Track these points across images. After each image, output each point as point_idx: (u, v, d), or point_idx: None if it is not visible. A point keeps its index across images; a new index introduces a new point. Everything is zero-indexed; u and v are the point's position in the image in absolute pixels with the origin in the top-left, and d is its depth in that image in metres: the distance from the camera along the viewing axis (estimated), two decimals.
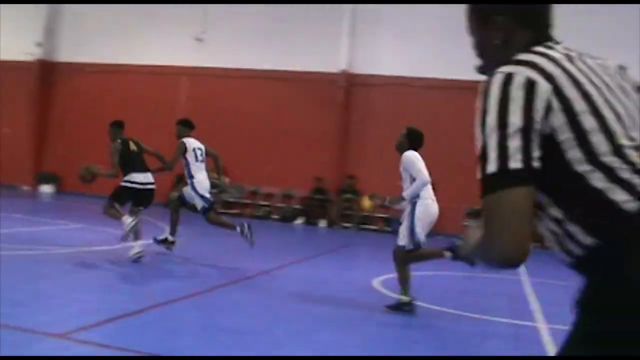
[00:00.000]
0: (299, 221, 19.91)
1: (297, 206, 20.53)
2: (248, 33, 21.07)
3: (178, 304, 7.25)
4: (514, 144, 1.72)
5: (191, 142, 10.68)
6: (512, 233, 1.70)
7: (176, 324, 6.37)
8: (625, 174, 1.74)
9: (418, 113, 17.86)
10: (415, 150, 7.79)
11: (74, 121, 22.55)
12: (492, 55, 2.07)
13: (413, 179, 7.56)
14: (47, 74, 23.06)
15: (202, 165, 10.68)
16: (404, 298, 7.59)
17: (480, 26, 2.09)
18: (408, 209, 7.69)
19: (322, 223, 19.74)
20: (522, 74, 1.79)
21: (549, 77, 1.79)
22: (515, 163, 1.71)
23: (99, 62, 22.28)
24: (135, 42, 22.01)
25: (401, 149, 7.83)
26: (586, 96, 1.79)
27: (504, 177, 1.71)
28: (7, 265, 8.61)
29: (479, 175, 1.77)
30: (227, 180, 14.74)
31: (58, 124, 23.02)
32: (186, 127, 10.95)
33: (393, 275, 8.01)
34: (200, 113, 21.03)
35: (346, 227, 19.59)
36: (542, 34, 2.00)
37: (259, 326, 6.56)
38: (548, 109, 1.76)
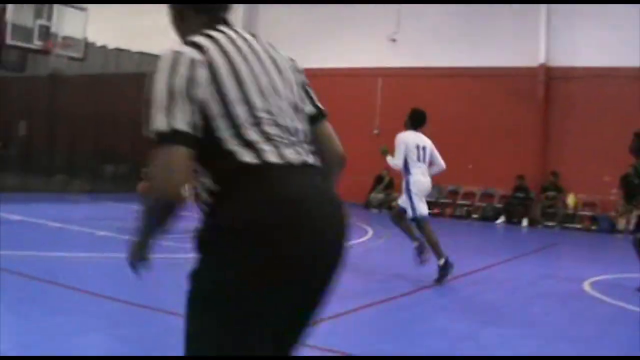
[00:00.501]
0: (500, 220, 19.31)
1: (498, 205, 19.93)
2: (441, 31, 20.76)
3: (380, 306, 7.16)
4: (178, 110, 2.10)
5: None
6: (169, 177, 2.09)
7: (379, 326, 6.27)
8: (255, 138, 2.17)
9: (622, 104, 16.83)
10: (416, 129, 9.52)
11: None
12: (177, 33, 2.50)
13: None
14: None
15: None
16: (440, 261, 8.32)
17: (169, 8, 2.53)
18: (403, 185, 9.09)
19: (524, 222, 19.03)
20: (187, 53, 2.18)
21: (208, 56, 2.19)
22: (180, 125, 2.09)
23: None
24: (329, 45, 22.26)
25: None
26: (235, 72, 2.21)
27: (170, 136, 2.08)
28: None
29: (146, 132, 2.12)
30: None
31: None
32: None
33: (604, 277, 7.50)
34: (396, 114, 21.06)
35: (549, 226, 18.76)
36: (215, 19, 2.41)
37: (464, 330, 6.32)
38: (205, 82, 2.15)
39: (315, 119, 2.52)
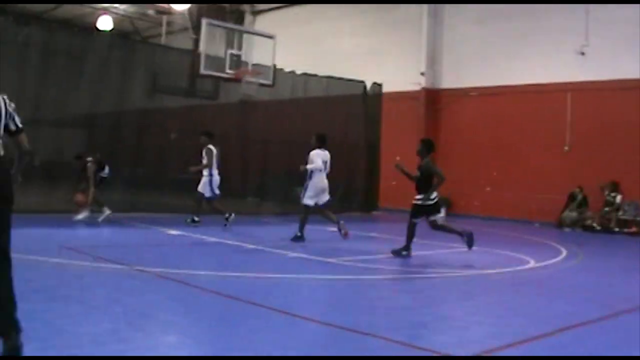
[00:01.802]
0: None
1: None
2: (634, 40, 19.52)
3: (579, 329, 6.74)
4: None
5: None
6: None
7: (578, 351, 5.89)
8: None
9: None
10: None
11: (461, 145, 22.87)
12: None
13: None
14: (432, 102, 23.73)
15: None
16: None
17: None
18: None
19: None
20: None
21: None
22: None
23: (481, 86, 22.40)
24: (515, 62, 21.61)
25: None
26: None
27: None
28: (407, 287, 8.86)
29: None
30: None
31: (446, 149, 23.46)
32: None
33: None
34: (588, 130, 20.18)
35: None
36: None
37: None
38: None
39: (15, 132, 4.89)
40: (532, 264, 11.44)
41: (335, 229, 13.55)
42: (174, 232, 13.43)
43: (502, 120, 21.80)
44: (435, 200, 11.56)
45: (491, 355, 5.49)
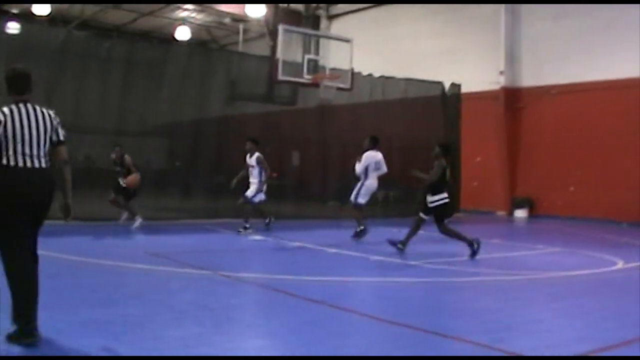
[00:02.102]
0: None
1: None
2: None
3: None
4: None
5: None
6: None
7: None
8: (20, 158, 5.18)
9: None
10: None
11: (543, 144, 22.47)
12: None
13: None
14: (512, 101, 23.38)
15: None
16: None
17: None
18: None
19: None
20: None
21: (4, 114, 5.18)
22: None
23: (562, 83, 21.93)
24: (597, 56, 21.03)
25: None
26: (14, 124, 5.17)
27: None
28: (492, 289, 8.74)
29: None
30: None
31: (527, 149, 23.14)
32: None
33: None
34: None
35: None
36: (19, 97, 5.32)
37: None
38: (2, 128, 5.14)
39: (57, 143, 5.45)
40: (620, 265, 11.14)
41: (358, 229, 13.58)
42: (256, 237, 13.57)
43: (585, 117, 21.27)
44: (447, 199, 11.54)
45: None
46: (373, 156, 13.75)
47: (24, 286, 5.15)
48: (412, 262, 10.49)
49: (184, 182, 18.42)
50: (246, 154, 14.52)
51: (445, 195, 11.42)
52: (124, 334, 5.58)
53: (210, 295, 7.55)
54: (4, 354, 4.87)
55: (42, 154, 5.29)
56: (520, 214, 22.71)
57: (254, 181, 14.35)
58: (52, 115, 5.43)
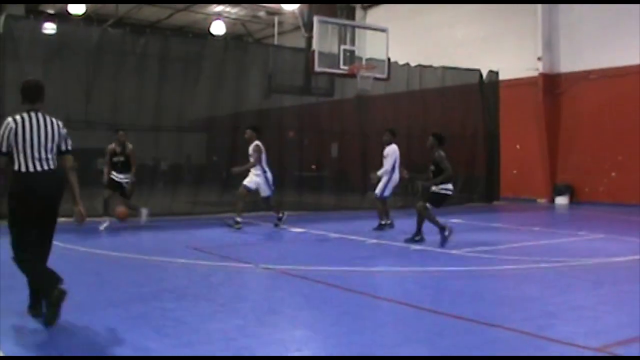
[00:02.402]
0: None
1: None
2: None
3: None
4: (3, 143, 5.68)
5: None
6: None
7: None
8: (30, 162, 5.67)
9: None
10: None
11: (583, 130, 22.17)
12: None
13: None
14: (551, 87, 23.09)
15: None
16: None
17: None
18: None
19: None
20: (9, 121, 5.72)
21: (15, 121, 5.70)
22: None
23: (601, 68, 21.60)
24: (633, 41, 20.57)
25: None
26: (24, 129, 5.70)
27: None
28: (533, 276, 8.67)
29: None
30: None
31: (568, 135, 22.85)
32: None
33: None
34: None
35: None
36: (31, 106, 5.85)
37: None
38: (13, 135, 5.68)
39: (64, 152, 5.91)
40: None
41: (383, 221, 13.63)
42: (296, 229, 13.61)
43: (625, 102, 20.91)
44: (451, 191, 11.65)
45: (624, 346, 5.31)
46: (395, 150, 13.75)
47: (29, 278, 5.79)
48: (453, 252, 10.44)
49: (223, 176, 18.51)
50: (248, 144, 13.95)
51: (451, 186, 11.54)
52: (165, 328, 5.65)
53: (251, 288, 7.60)
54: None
55: (50, 157, 5.79)
56: (561, 201, 22.43)
57: (256, 172, 13.73)
58: (61, 125, 5.94)
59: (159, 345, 5.09)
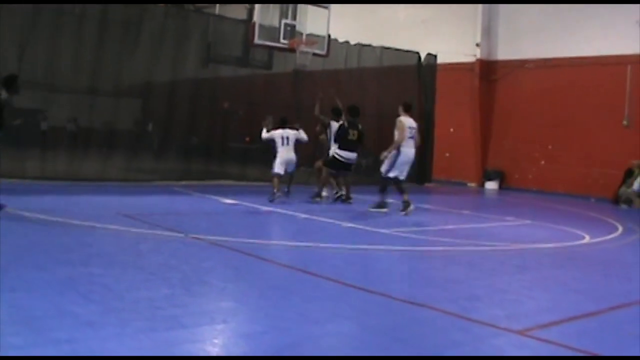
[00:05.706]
0: None
1: None
2: None
3: (637, 307, 6.65)
4: None
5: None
6: None
7: (637, 329, 5.80)
8: None
9: None
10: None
11: (517, 118, 22.59)
12: None
13: None
14: (487, 73, 23.44)
15: None
16: None
17: None
18: None
19: None
20: None
21: None
22: None
23: (537, 58, 21.99)
24: (573, 33, 21.11)
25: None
26: None
27: None
28: (461, 259, 8.83)
29: None
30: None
31: (501, 122, 23.25)
32: None
33: None
34: None
35: None
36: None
37: None
38: None
39: None
40: (587, 239, 11.29)
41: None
42: (228, 200, 13.55)
43: (559, 92, 21.38)
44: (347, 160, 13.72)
45: (545, 329, 5.46)
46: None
47: None
48: (383, 230, 10.55)
49: (157, 143, 18.27)
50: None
51: (347, 155, 13.67)
52: (92, 293, 5.57)
53: (181, 257, 7.54)
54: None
55: None
56: (491, 186, 22.88)
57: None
58: None
59: (84, 311, 5.00)
